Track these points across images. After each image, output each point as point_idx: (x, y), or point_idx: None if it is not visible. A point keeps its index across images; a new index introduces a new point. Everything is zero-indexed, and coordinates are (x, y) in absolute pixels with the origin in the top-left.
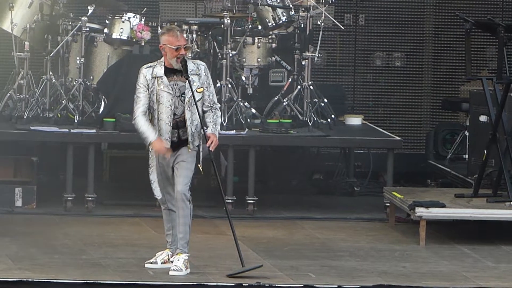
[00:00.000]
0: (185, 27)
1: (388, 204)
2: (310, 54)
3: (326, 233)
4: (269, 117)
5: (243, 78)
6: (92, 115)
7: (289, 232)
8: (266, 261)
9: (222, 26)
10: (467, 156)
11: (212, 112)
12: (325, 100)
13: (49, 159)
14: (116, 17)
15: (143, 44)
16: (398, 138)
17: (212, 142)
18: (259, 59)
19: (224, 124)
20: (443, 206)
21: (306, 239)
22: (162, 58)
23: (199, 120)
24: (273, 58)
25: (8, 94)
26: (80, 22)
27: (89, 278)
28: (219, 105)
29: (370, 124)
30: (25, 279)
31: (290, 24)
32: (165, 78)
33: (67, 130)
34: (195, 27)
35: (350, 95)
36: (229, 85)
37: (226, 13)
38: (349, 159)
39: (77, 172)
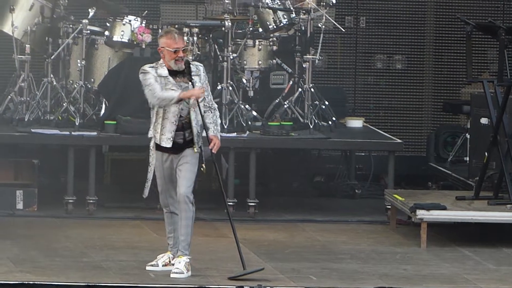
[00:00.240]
0: (186, 29)
1: (389, 207)
2: (311, 56)
3: (327, 235)
4: (270, 119)
5: (244, 81)
6: (93, 118)
7: (290, 234)
8: (267, 263)
9: (223, 28)
10: (468, 158)
11: (211, 112)
12: (326, 102)
13: (50, 161)
14: (117, 20)
15: (144, 46)
16: (399, 141)
17: (214, 144)
18: (260, 62)
19: (225, 127)
20: (444, 208)
21: (307, 241)
22: (161, 60)
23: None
24: (274, 61)
25: (9, 96)
26: (81, 25)
27: (90, 281)
28: (216, 105)
29: (371, 127)
30: (26, 282)
31: (291, 26)
32: (171, 78)
33: (68, 133)
34: (196, 29)
35: (351, 97)
36: (230, 88)
37: (227, 16)
38: (350, 161)
39: (78, 175)
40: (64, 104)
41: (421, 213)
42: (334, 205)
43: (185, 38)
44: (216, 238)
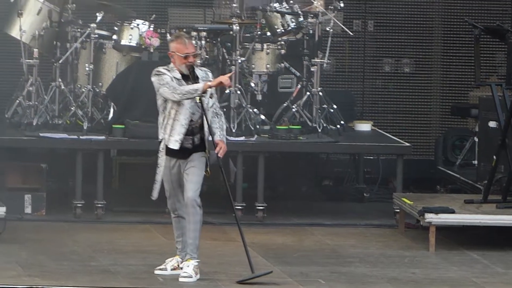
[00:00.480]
0: (194, 33)
1: (398, 210)
2: (319, 60)
3: (336, 239)
4: (278, 123)
5: (252, 85)
6: (101, 122)
7: (298, 238)
8: (275, 267)
9: (231, 32)
10: (476, 162)
11: (218, 117)
12: (334, 106)
13: (58, 166)
14: (125, 24)
15: (152, 50)
16: (408, 144)
17: (220, 149)
18: (268, 66)
19: (233, 131)
20: (452, 212)
21: (316, 245)
22: (172, 64)
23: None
24: (282, 65)
25: (17, 101)
26: (89, 29)
27: (98, 285)
28: (222, 112)
29: (380, 130)
30: (34, 286)
31: (299, 30)
32: (183, 82)
33: (76, 137)
34: (204, 33)
35: (359, 101)
36: (238, 92)
37: (235, 20)
38: (358, 165)
39: (87, 179)
40: (72, 108)
41: (430, 217)
42: (343, 208)
43: (193, 42)
44: (224, 242)
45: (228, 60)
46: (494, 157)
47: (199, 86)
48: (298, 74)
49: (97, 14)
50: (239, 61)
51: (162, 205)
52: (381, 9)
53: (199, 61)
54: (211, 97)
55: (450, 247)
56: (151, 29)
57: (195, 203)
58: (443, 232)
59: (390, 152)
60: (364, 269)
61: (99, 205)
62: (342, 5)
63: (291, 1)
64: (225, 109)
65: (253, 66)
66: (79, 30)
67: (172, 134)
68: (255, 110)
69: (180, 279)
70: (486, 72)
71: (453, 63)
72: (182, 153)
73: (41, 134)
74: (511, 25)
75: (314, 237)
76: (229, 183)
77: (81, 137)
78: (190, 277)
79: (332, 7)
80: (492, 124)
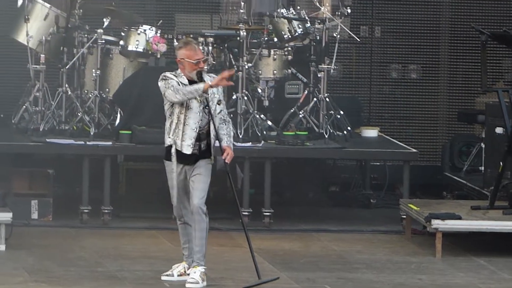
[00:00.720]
0: (200, 39)
1: (404, 216)
2: (326, 66)
3: (342, 245)
4: (285, 129)
5: (259, 90)
6: (108, 128)
7: (305, 244)
8: (282, 273)
9: (238, 38)
10: (483, 168)
11: (225, 124)
12: (341, 112)
13: (65, 171)
14: (131, 29)
15: (159, 56)
16: (414, 150)
17: (227, 155)
18: (275, 71)
19: (240, 137)
20: (459, 218)
21: (323, 251)
22: (179, 70)
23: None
24: (289, 70)
25: (24, 106)
26: (95, 35)
27: None
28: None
29: (386, 136)
30: None
31: (306, 36)
32: None
33: (83, 143)
34: (211, 39)
35: (366, 107)
36: (245, 98)
37: (242, 25)
38: (365, 171)
39: (93, 185)
40: (79, 114)
41: (436, 223)
42: (349, 214)
43: (200, 47)
44: (231, 248)
45: (235, 66)
46: (501, 163)
47: (200, 85)
48: (305, 80)
49: (104, 19)
50: (246, 67)
51: (168, 211)
52: (388, 15)
53: (206, 67)
54: (218, 104)
55: (456, 253)
56: (158, 34)
57: (201, 210)
58: (449, 238)
59: (397, 158)
60: (370, 275)
61: (106, 210)
62: (349, 11)
63: (298, 7)
64: (232, 115)
65: (260, 72)
66: (86, 35)
67: (184, 139)
68: (262, 116)
69: (187, 285)
70: (492, 78)
71: (460, 69)
72: (188, 159)
73: (47, 140)
74: None
75: (320, 243)
76: (236, 189)
77: (88, 142)
78: (197, 283)
79: (339, 13)
80: (498, 130)
